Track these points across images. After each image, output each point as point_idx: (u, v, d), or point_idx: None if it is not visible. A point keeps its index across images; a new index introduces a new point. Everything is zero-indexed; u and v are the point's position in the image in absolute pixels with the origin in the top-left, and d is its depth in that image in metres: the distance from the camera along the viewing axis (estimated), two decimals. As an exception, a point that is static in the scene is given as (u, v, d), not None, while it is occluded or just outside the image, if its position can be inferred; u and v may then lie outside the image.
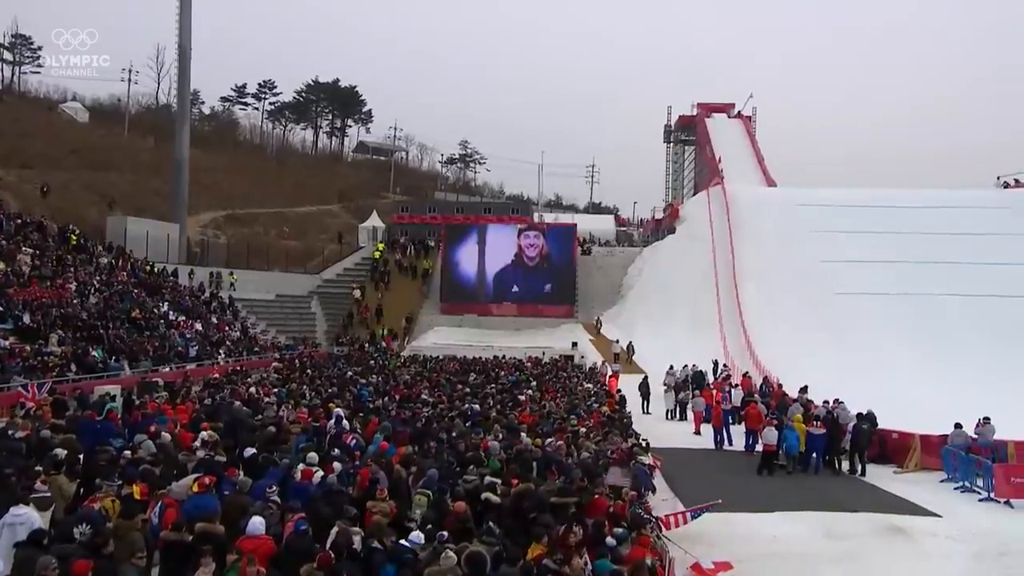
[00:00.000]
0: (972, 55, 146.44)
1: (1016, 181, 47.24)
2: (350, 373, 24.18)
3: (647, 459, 13.07)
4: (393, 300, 43.53)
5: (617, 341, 30.20)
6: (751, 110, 65.30)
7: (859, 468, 16.51)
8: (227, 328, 34.08)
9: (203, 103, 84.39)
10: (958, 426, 16.11)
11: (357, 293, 44.31)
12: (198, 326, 31.43)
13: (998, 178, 49.19)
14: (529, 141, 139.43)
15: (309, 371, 25.22)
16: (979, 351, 30.80)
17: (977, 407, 18.78)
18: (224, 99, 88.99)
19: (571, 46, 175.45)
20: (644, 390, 25.25)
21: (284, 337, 38.89)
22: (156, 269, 34.99)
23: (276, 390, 18.58)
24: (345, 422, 14.13)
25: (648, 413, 24.14)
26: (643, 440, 14.64)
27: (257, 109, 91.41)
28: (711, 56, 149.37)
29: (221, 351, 29.79)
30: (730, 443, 19.44)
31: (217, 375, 23.30)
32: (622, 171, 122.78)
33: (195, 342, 29.02)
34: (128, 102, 74.31)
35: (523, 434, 13.34)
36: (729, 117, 65.43)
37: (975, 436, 15.85)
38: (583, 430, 14.54)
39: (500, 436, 13.07)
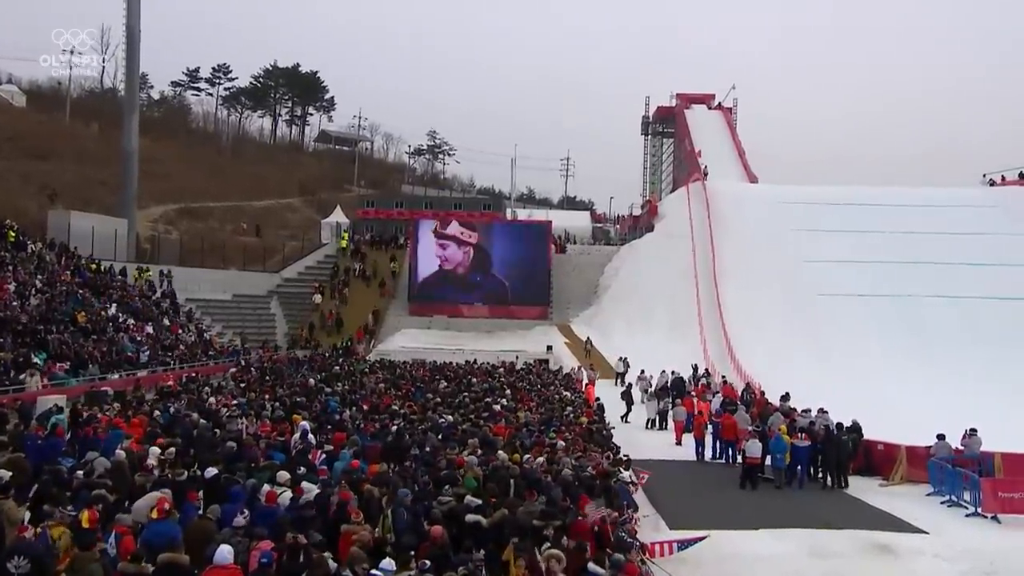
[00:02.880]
0: (960, 52, 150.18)
1: (1003, 178, 48.41)
2: (313, 381, 23.97)
3: (627, 475, 13.20)
4: (353, 311, 43.04)
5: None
6: (732, 102, 66.05)
7: (840, 481, 16.79)
8: (180, 331, 33.62)
9: (152, 87, 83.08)
10: (941, 437, 16.48)
11: (317, 298, 43.95)
12: (149, 329, 30.95)
13: (984, 175, 50.41)
14: (501, 132, 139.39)
15: (269, 378, 24.97)
16: (966, 356, 31.61)
17: (964, 414, 19.29)
18: (175, 84, 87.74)
19: (545, 32, 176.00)
20: (628, 398, 25.49)
21: (241, 340, 38.51)
22: (103, 268, 34.34)
23: (238, 401, 18.36)
24: (312, 436, 14.07)
25: (627, 422, 24.37)
26: (623, 455, 14.77)
27: (211, 95, 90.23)
28: (691, 46, 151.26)
29: (174, 356, 29.38)
30: (713, 455, 19.65)
31: (171, 383, 22.99)
32: (598, 164, 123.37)
33: (146, 347, 28.58)
34: (70, 85, 72.72)
35: (499, 450, 13.38)
36: (709, 109, 66.12)
37: (961, 448, 16.26)
38: (562, 444, 14.63)
39: (475, 451, 13.09)
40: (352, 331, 41.12)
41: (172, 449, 11.92)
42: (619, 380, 30.72)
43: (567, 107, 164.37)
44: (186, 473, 10.67)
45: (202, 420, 15.55)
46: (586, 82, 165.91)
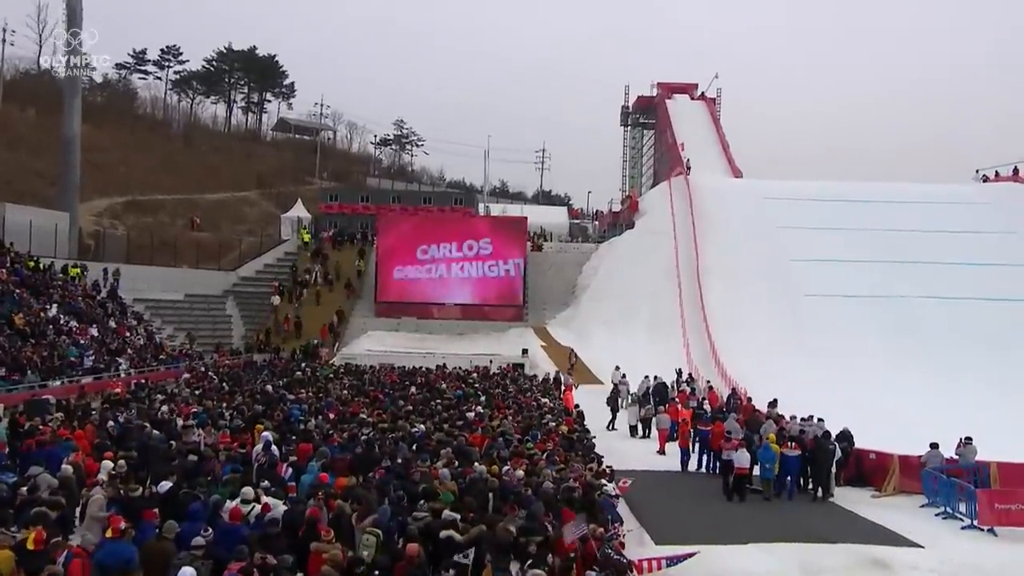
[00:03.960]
0: (952, 43, 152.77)
1: (996, 174, 49.44)
2: (271, 387, 23.79)
3: (612, 488, 13.26)
4: (314, 316, 42.69)
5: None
6: (715, 92, 66.62)
7: (828, 492, 17.05)
8: (128, 334, 33.19)
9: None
10: (934, 446, 16.76)
11: (276, 300, 43.56)
12: (94, 331, 30.58)
13: (977, 171, 51.42)
14: (472, 122, 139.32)
15: (226, 385, 24.71)
16: (959, 360, 32.19)
17: (958, 421, 19.70)
18: (120, 66, 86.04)
19: (518, 16, 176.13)
20: (613, 404, 25.62)
21: (189, 340, 38.19)
22: (42, 265, 33.74)
23: (195, 409, 18.15)
24: (275, 448, 13.93)
25: (613, 429, 24.55)
26: (606, 466, 14.84)
27: (160, 79, 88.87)
28: (673, 31, 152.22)
29: (122, 361, 29.00)
30: (699, 467, 19.74)
31: (119, 390, 22.67)
32: (575, 156, 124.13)
33: (91, 351, 28.19)
34: (2, 66, 71.19)
35: (476, 462, 13.38)
36: (692, 99, 66.59)
37: (955, 457, 16.58)
38: (542, 454, 14.66)
39: (450, 462, 13.07)
40: (313, 336, 40.77)
41: (122, 463, 11.74)
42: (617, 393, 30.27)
43: (541, 96, 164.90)
44: (141, 489, 10.52)
45: (155, 431, 15.36)
46: (562, 70, 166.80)
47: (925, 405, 26.50)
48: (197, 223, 54.28)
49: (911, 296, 38.08)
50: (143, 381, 25.62)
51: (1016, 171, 47.71)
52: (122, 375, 27.32)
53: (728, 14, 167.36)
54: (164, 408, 18.71)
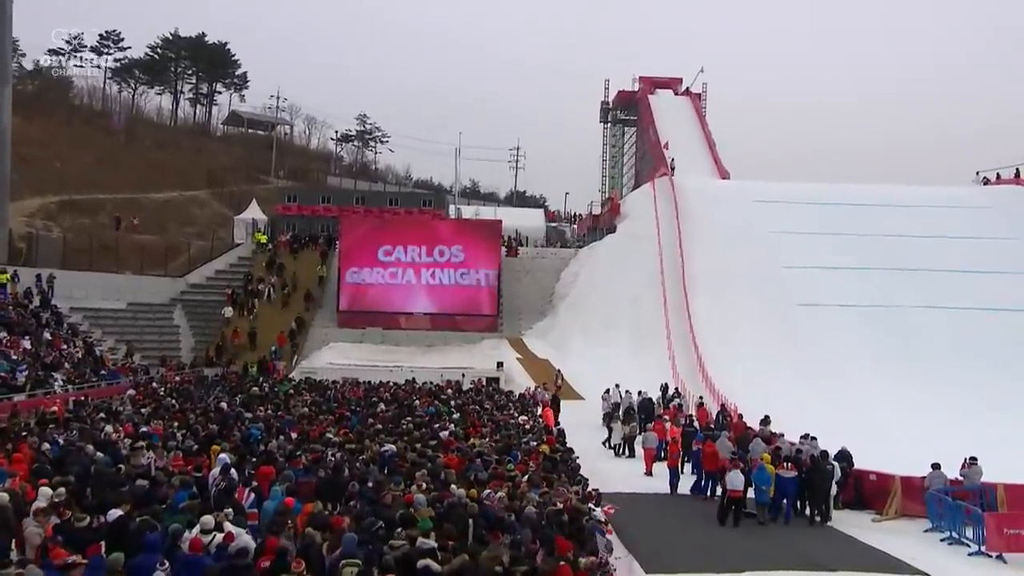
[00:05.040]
0: (951, 39, 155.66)
1: (998, 176, 50.47)
2: (225, 404, 23.57)
3: (600, 513, 13.31)
4: (270, 328, 42.31)
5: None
6: (701, 87, 67.26)
7: (823, 514, 17.26)
8: (65, 346, 32.72)
9: (23, 56, 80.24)
10: (936, 467, 16.97)
11: (228, 311, 43.16)
12: (26, 344, 30.13)
13: (977, 173, 52.51)
14: (440, 118, 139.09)
15: (176, 402, 24.45)
16: (961, 373, 32.80)
17: (961, 439, 20.06)
18: (53, 52, 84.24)
19: (489, 2, 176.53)
20: (609, 422, 25.85)
21: (127, 352, 37.75)
22: (-32, 272, 33.17)
23: (143, 429, 17.92)
24: (234, 472, 13.79)
25: (610, 447, 24.89)
26: (593, 489, 14.89)
27: (98, 67, 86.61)
28: (656, 20, 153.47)
29: (58, 376, 28.57)
30: (696, 490, 19.80)
31: (56, 409, 22.32)
32: (551, 155, 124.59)
33: (24, 366, 27.75)
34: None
35: (452, 485, 13.36)
36: (676, 94, 67.24)
37: (960, 478, 16.83)
38: (523, 476, 14.66)
39: (425, 486, 13.04)
40: (270, 344, 40.45)
41: (63, 490, 11.51)
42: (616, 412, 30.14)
43: (515, 90, 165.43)
44: (88, 518, 10.34)
45: (99, 453, 15.12)
46: (537, 62, 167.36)
47: (925, 422, 26.98)
48: (135, 225, 53.55)
49: (909, 306, 38.70)
50: (83, 398, 25.25)
51: (1018, 173, 48.70)
52: (59, 392, 26.90)
53: (712, 9, 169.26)
54: (108, 428, 18.43)
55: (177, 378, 32.32)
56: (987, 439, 21.25)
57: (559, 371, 33.21)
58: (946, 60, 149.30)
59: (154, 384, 29.76)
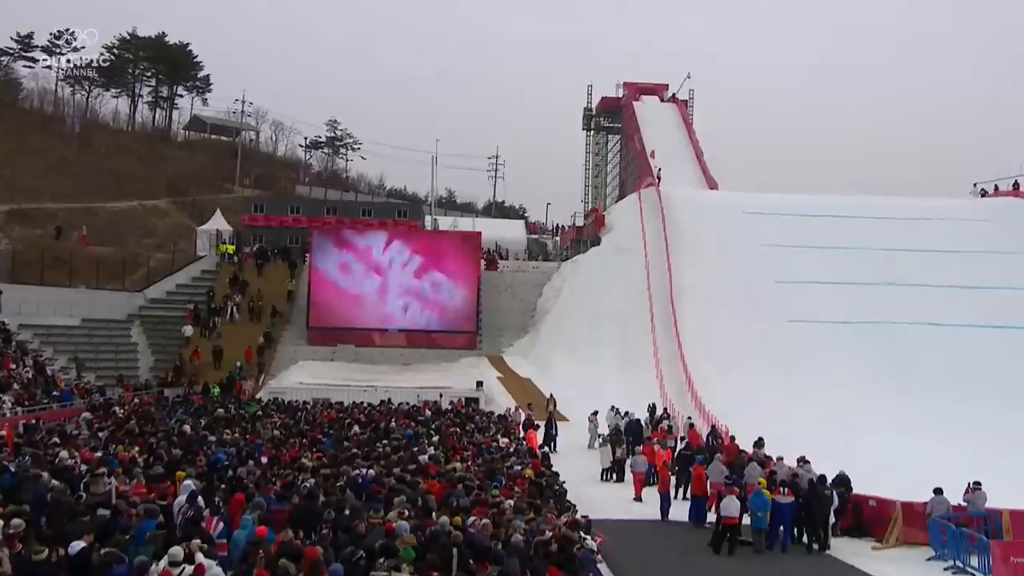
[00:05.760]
0: (947, 45, 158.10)
1: (996, 188, 51.33)
2: (189, 427, 23.32)
3: (590, 541, 13.30)
4: (235, 346, 42.00)
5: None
6: (688, 93, 67.89)
7: (821, 542, 17.34)
8: (13, 366, 32.29)
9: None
10: (938, 492, 17.11)
11: (189, 330, 42.78)
12: (-28, 364, 29.70)
13: (975, 185, 53.39)
14: (414, 124, 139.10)
15: (136, 424, 24.15)
16: (960, 394, 33.23)
17: (961, 463, 20.27)
18: (1, 52, 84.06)
19: (467, 5, 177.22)
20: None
21: (76, 368, 37.43)
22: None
23: (100, 454, 17.69)
24: (201, 499, 13.65)
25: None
26: (582, 516, 14.88)
27: (50, 67, 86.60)
28: (640, 27, 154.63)
29: (6, 398, 28.17)
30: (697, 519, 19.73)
31: (4, 433, 21.99)
32: (530, 164, 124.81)
33: (-30, 386, 27.35)
34: None
35: (434, 512, 13.31)
36: (662, 101, 67.89)
37: (964, 503, 16.97)
38: (509, 502, 14.62)
39: (407, 513, 12.98)
40: (237, 360, 40.21)
41: (19, 520, 11.32)
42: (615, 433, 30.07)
43: (494, 96, 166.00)
44: (47, 551, 10.19)
45: (55, 481, 14.90)
46: (516, 66, 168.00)
47: (922, 444, 27.24)
48: (84, 236, 53.00)
49: (905, 322, 39.20)
50: (34, 422, 24.87)
51: (1016, 185, 49.54)
52: (7, 415, 26.51)
53: (699, 13, 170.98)
54: (63, 453, 18.17)
55: (136, 400, 31.92)
56: (987, 462, 21.46)
57: (551, 396, 33.10)
58: (944, 64, 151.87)
59: (114, 407, 29.37)
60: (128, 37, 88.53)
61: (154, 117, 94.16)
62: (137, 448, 19.27)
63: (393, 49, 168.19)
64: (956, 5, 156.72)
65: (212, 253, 49.30)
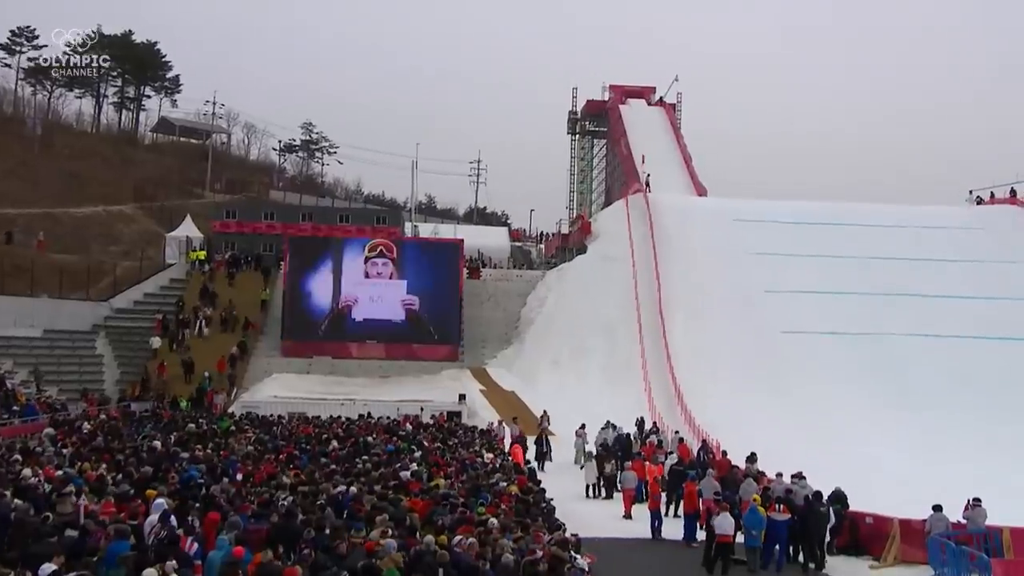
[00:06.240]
0: (943, 48, 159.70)
1: (992, 195, 51.99)
2: (159, 443, 23.14)
3: (582, 561, 13.29)
4: (209, 350, 41.87)
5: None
6: (676, 97, 68.29)
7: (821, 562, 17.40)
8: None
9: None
10: (937, 508, 17.13)
11: (156, 342, 42.46)
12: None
13: (970, 192, 54.10)
14: (392, 127, 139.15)
15: (103, 440, 23.93)
16: (957, 407, 33.60)
17: (959, 478, 20.45)
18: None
19: (447, 3, 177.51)
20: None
21: (36, 380, 37.03)
22: None
23: (64, 471, 17.50)
24: (173, 518, 13.55)
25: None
26: (572, 534, 14.85)
27: (9, 66, 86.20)
28: (626, 29, 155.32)
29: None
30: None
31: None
32: (514, 169, 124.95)
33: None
34: None
35: (419, 530, 13.28)
36: (649, 104, 68.20)
37: (963, 520, 17.07)
38: (495, 520, 14.60)
39: (390, 532, 12.95)
40: (208, 369, 39.95)
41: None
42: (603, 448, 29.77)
43: (474, 98, 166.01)
44: (11, 574, 10.08)
45: (17, 500, 14.74)
46: (498, 68, 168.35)
47: (918, 459, 27.54)
48: (41, 241, 52.54)
49: (899, 333, 39.54)
50: (-5, 437, 24.60)
51: (1013, 193, 50.09)
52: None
53: (687, 14, 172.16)
54: (26, 471, 17.97)
55: (103, 415, 31.62)
56: (985, 477, 21.70)
57: (545, 412, 33.04)
58: (938, 66, 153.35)
59: (84, 422, 29.03)
60: (93, 35, 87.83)
61: (120, 119, 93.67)
62: (104, 465, 19.11)
63: (370, 50, 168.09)
64: (956, 6, 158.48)
65: (182, 261, 48.94)
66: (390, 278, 45.26)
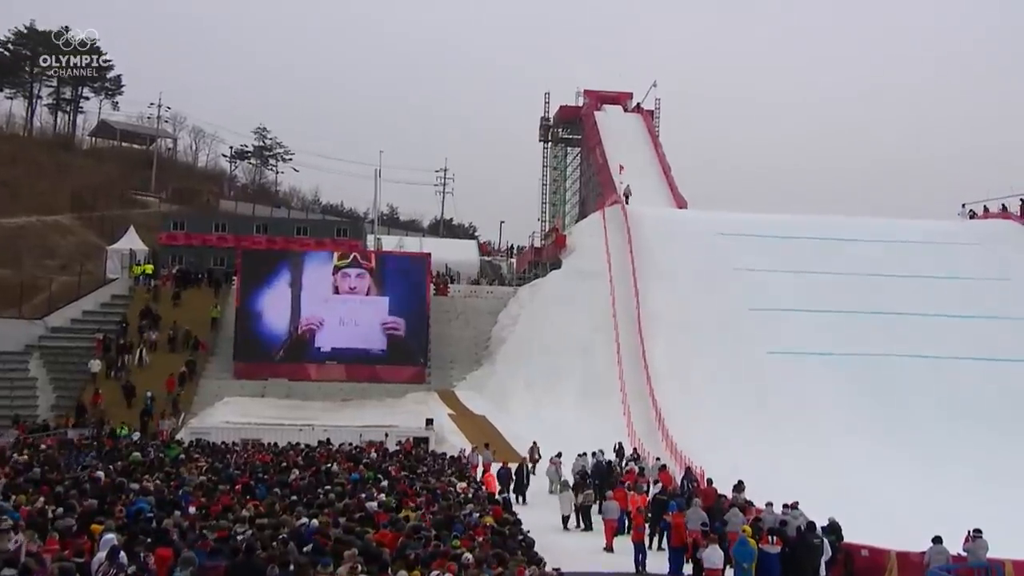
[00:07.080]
0: (935, 53, 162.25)
1: (985, 209, 53.02)
2: (102, 473, 22.84)
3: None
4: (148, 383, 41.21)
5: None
6: (654, 103, 68.89)
7: None
8: None
9: None
10: (937, 540, 17.24)
11: (96, 365, 41.96)
12: None
13: (963, 206, 55.20)
14: (351, 133, 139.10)
15: (40, 471, 23.54)
16: (951, 432, 33.95)
17: (953, 507, 20.72)
18: None
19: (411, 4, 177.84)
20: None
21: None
22: None
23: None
24: (123, 555, 13.40)
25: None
26: (554, 569, 14.87)
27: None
28: (601, 30, 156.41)
29: None
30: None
31: None
32: (483, 178, 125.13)
33: None
34: None
35: (391, 566, 13.22)
36: (625, 111, 68.66)
37: (964, 553, 17.26)
38: (469, 555, 14.57)
39: (359, 568, 12.90)
40: (153, 390, 39.60)
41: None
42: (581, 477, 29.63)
43: (440, 103, 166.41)
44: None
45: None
46: (466, 71, 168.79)
47: (912, 488, 27.87)
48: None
49: (890, 354, 39.86)
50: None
51: (1005, 208, 51.08)
52: None
53: (666, 16, 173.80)
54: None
55: (44, 445, 31.10)
56: (982, 505, 22.00)
57: (535, 443, 32.95)
58: (931, 71, 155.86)
59: (17, 452, 28.53)
60: (25, 30, 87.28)
61: (55, 122, 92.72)
62: (43, 498, 18.82)
63: (328, 52, 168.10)
64: (953, 8, 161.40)
65: (124, 276, 48.47)
66: (367, 293, 45.24)
